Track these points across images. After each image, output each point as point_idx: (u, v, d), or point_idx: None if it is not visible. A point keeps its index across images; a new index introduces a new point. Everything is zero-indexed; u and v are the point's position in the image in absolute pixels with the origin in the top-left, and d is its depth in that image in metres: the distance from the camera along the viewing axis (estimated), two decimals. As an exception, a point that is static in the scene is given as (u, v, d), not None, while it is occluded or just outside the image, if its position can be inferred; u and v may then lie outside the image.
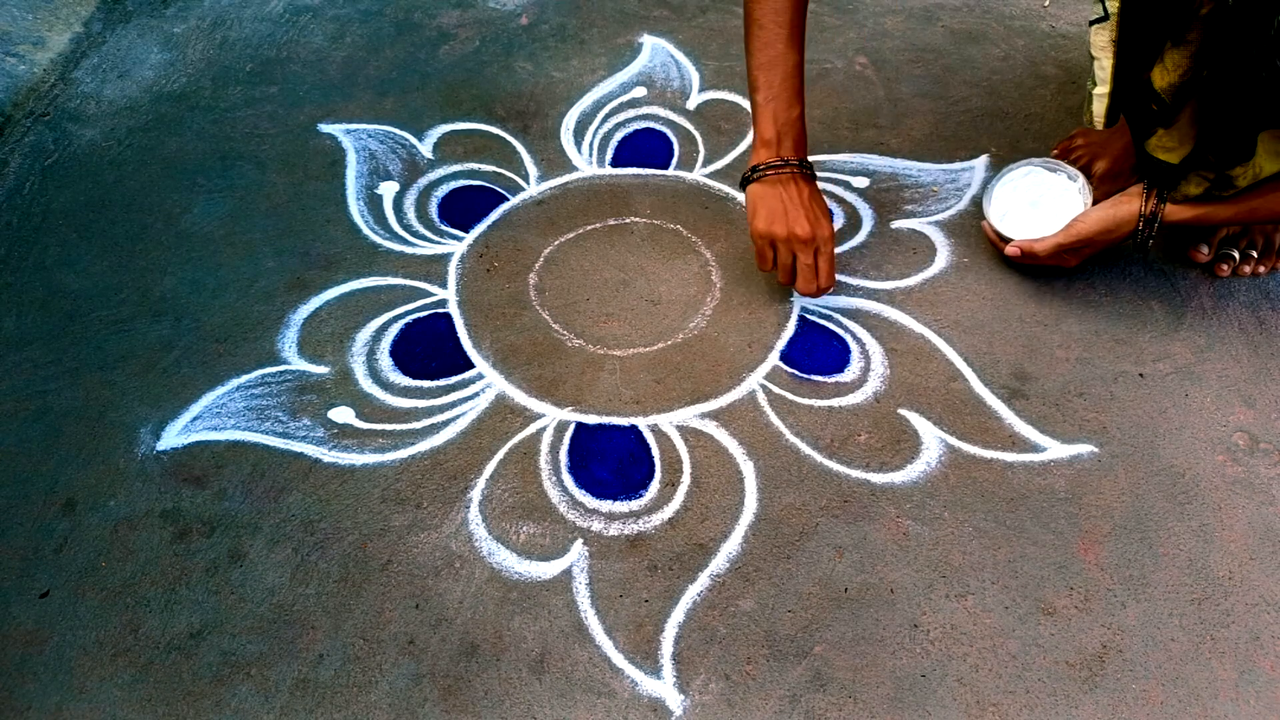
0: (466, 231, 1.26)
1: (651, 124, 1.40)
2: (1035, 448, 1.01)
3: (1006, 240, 1.13)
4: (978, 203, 1.26)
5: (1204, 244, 1.15)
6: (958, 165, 1.32)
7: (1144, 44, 0.95)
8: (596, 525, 0.95)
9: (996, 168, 1.31)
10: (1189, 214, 1.01)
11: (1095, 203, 1.09)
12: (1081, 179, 1.13)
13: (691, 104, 1.43)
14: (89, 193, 1.31)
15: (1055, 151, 1.27)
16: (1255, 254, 1.16)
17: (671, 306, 1.16)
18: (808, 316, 1.14)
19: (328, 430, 1.04)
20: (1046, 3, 1.59)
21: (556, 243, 1.24)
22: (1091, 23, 1.01)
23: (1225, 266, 1.15)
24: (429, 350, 1.12)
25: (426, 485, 0.99)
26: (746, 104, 1.42)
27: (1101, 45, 1.00)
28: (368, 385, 1.08)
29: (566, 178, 1.33)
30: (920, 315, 1.13)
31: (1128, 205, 1.03)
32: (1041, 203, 1.13)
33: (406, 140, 1.39)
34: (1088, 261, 1.13)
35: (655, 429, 1.03)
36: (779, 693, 0.84)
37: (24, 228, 1.27)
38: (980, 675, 0.85)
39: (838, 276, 1.18)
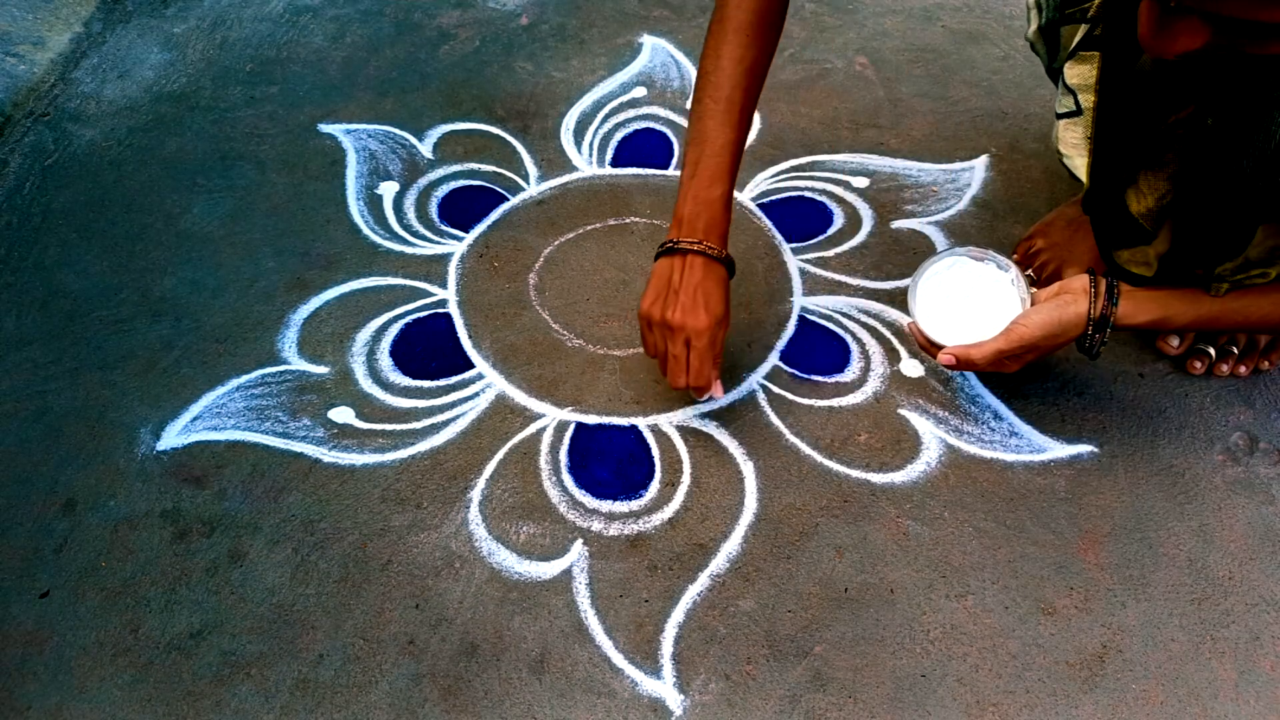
0: (466, 231, 1.26)
1: (651, 124, 1.40)
2: (1035, 448, 1.01)
3: (937, 345, 0.95)
4: (977, 202, 1.26)
5: (1174, 335, 1.05)
6: (958, 165, 1.32)
7: (1116, 157, 0.89)
8: (596, 525, 0.95)
9: (997, 167, 1.31)
10: (1145, 317, 0.89)
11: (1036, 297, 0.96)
12: (1014, 269, 0.96)
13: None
14: (89, 193, 1.31)
15: (1016, 256, 1.16)
16: (1236, 350, 1.05)
17: (671, 306, 1.15)
18: (808, 317, 1.14)
19: (328, 430, 1.04)
20: None
21: (556, 243, 1.24)
22: (1059, 116, 0.92)
23: (1199, 363, 1.05)
24: (429, 350, 1.12)
25: (426, 485, 0.99)
26: (746, 104, 1.43)
27: (1074, 143, 0.91)
28: (368, 385, 1.08)
29: (566, 178, 1.33)
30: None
31: (1074, 307, 0.89)
32: (972, 298, 0.97)
33: (406, 140, 1.39)
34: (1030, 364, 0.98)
35: (655, 429, 1.03)
36: (779, 693, 0.84)
37: (24, 228, 1.27)
38: (980, 675, 0.85)
39: (837, 277, 1.18)
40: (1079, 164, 0.92)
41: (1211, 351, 1.05)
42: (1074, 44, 0.88)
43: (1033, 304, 0.94)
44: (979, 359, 0.91)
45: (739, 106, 0.92)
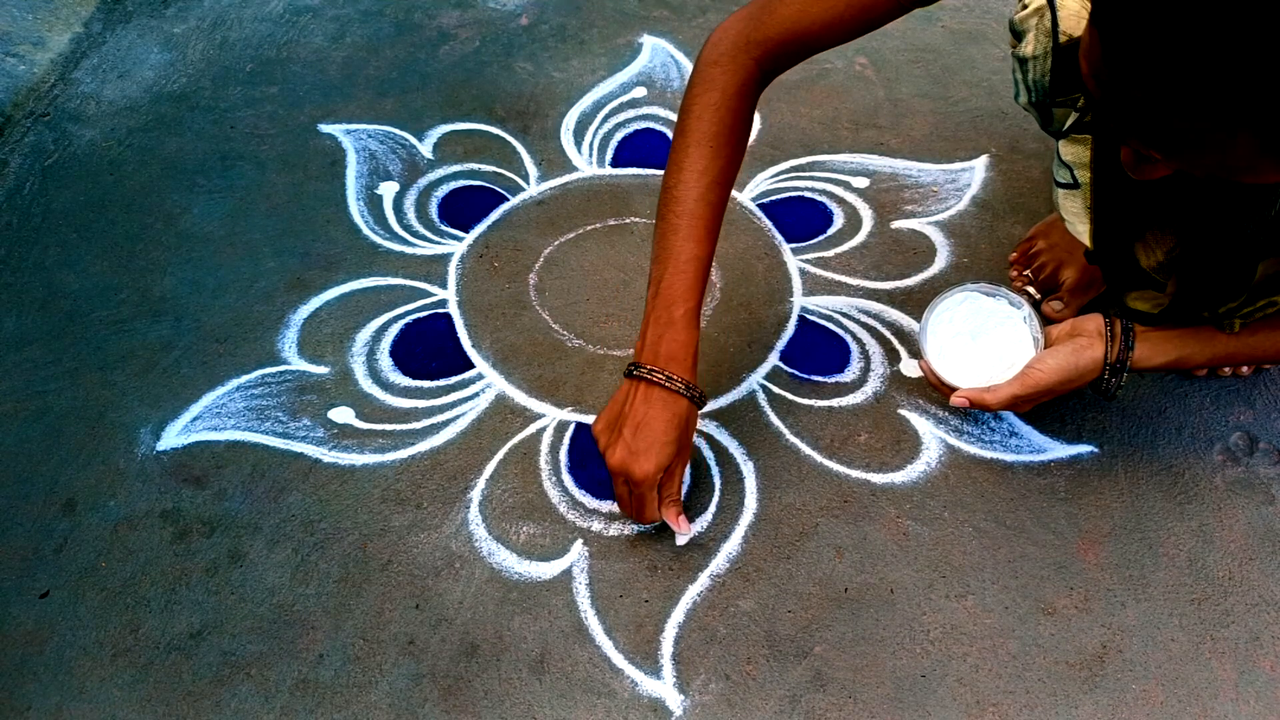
0: (466, 231, 1.26)
1: (651, 124, 1.40)
2: (1035, 448, 1.01)
3: (949, 386, 0.94)
4: (977, 202, 1.26)
5: None
6: (958, 165, 1.32)
7: (1121, 215, 0.89)
8: (596, 525, 0.95)
9: (997, 167, 1.31)
10: (1162, 359, 0.89)
11: (1050, 325, 0.96)
12: (1026, 306, 0.96)
13: (691, 104, 1.43)
14: (89, 193, 1.31)
15: (1014, 256, 1.16)
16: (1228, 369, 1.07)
17: (671, 306, 1.15)
18: (808, 317, 1.14)
19: (328, 430, 1.04)
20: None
21: (556, 243, 1.24)
22: (1059, 185, 0.92)
23: (1202, 369, 1.06)
24: (429, 350, 1.12)
25: (426, 485, 0.99)
26: (746, 104, 1.43)
27: (1074, 211, 0.91)
28: (368, 385, 1.08)
29: (566, 178, 1.33)
30: (920, 316, 1.13)
31: (1090, 352, 0.89)
32: (982, 336, 0.96)
33: (406, 140, 1.39)
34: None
35: (655, 429, 1.03)
36: (779, 693, 0.84)
37: (24, 228, 1.27)
38: (980, 675, 0.85)
39: (837, 277, 1.18)
40: (1081, 230, 0.92)
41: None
42: (1066, 126, 0.89)
43: (1046, 343, 0.93)
44: (993, 403, 0.90)
45: (703, 221, 0.87)
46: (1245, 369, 1.06)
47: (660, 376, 0.84)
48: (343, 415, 1.05)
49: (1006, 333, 0.96)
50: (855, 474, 0.99)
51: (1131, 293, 0.93)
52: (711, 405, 1.05)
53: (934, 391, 1.06)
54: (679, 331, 0.86)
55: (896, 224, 1.25)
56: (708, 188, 0.87)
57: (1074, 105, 0.88)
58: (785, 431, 1.03)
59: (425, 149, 1.37)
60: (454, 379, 1.09)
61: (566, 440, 1.02)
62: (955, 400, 0.92)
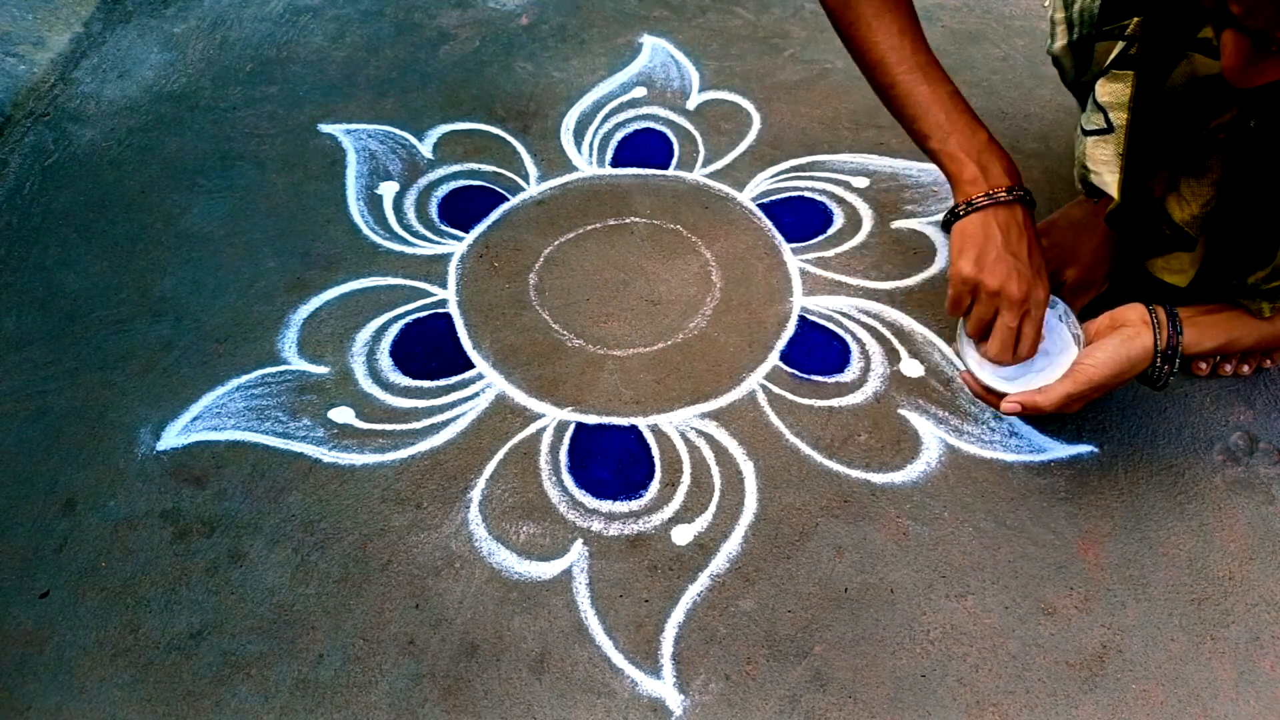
0: (466, 231, 1.26)
1: (651, 124, 1.40)
2: (1035, 448, 1.01)
3: (995, 393, 0.93)
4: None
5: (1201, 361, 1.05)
6: (958, 165, 1.32)
7: (1152, 164, 0.86)
8: (596, 525, 0.95)
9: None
10: (1211, 343, 0.89)
11: (1087, 322, 0.95)
12: (1061, 304, 0.95)
13: (691, 104, 1.43)
14: (89, 193, 1.31)
15: None
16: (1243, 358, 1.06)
17: (671, 306, 1.16)
18: (808, 317, 1.14)
19: (328, 430, 1.04)
20: (1046, 2, 1.59)
21: (556, 243, 1.24)
22: (1088, 133, 0.90)
23: (1204, 364, 1.05)
24: (429, 350, 1.12)
25: (426, 485, 0.99)
26: (746, 103, 1.42)
27: (1104, 159, 0.88)
28: (368, 385, 1.08)
29: (566, 178, 1.33)
30: (920, 315, 1.13)
31: (1140, 340, 0.88)
32: None
33: (406, 140, 1.39)
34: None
35: (655, 429, 1.03)
36: (779, 693, 0.84)
37: (24, 228, 1.27)
38: (980, 675, 0.85)
39: (837, 277, 1.18)
40: (1109, 180, 0.88)
41: (1229, 365, 1.06)
42: (1109, 61, 0.86)
43: (1086, 339, 0.92)
44: (1046, 405, 0.88)
45: (933, 64, 0.93)
46: (1246, 368, 1.05)
47: (1021, 194, 0.89)
48: (343, 415, 1.05)
49: (1045, 333, 0.94)
50: (855, 474, 0.99)
51: (1157, 260, 0.90)
52: (711, 405, 1.05)
53: (934, 392, 1.06)
54: (998, 153, 0.90)
55: (896, 224, 1.25)
56: (912, 41, 0.93)
57: (1121, 34, 0.85)
58: (785, 431, 1.03)
59: (425, 149, 1.37)
60: (454, 379, 1.09)
61: (566, 440, 1.02)
62: (1006, 407, 0.90)
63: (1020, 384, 0.92)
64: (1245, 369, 1.06)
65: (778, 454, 1.01)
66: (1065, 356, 0.92)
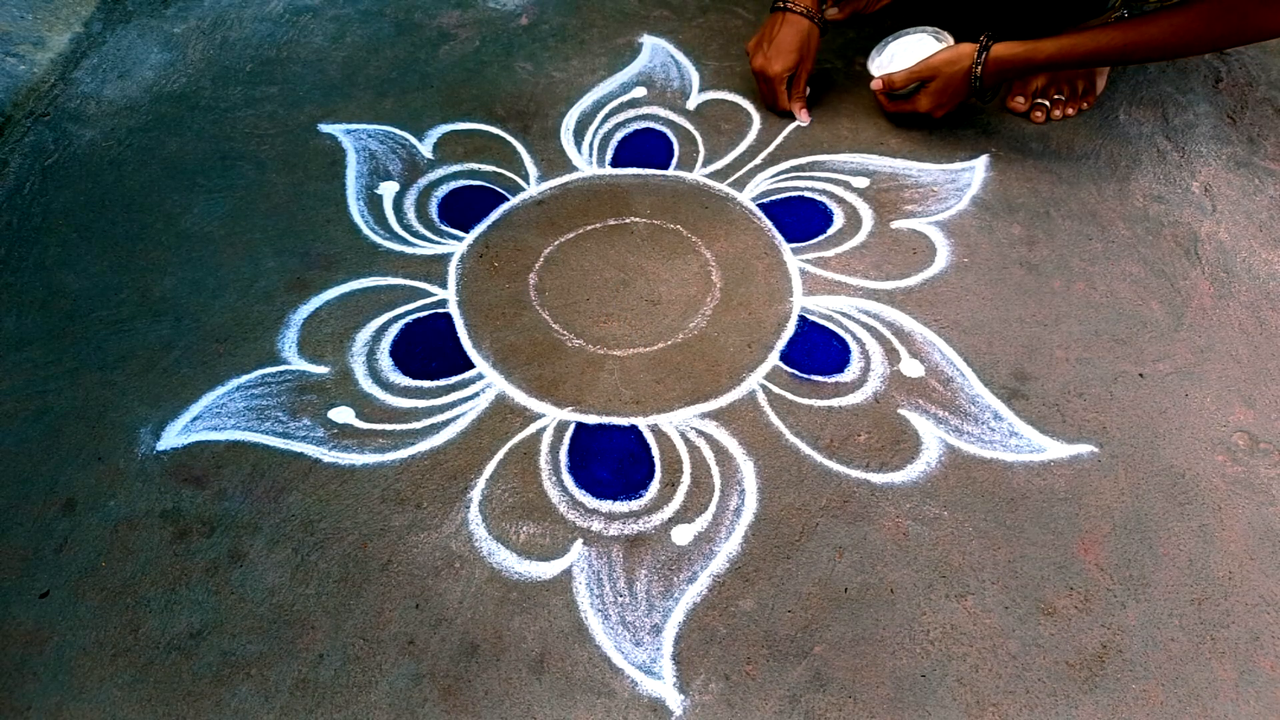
0: (466, 231, 1.26)
1: (651, 124, 1.40)
2: (1035, 448, 1.01)
3: (886, 95, 1.33)
4: (977, 202, 1.26)
5: (1019, 95, 1.37)
6: (958, 165, 1.32)
7: None
8: (596, 525, 0.95)
9: (996, 167, 1.31)
10: (1015, 50, 1.19)
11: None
12: (949, 38, 1.31)
13: (691, 104, 1.43)
14: (89, 193, 1.31)
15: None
16: (1063, 98, 1.36)
17: (671, 306, 1.16)
18: (808, 317, 1.14)
19: (328, 430, 1.04)
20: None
21: (556, 243, 1.24)
22: None
23: (1039, 114, 1.35)
24: (429, 350, 1.12)
25: (426, 485, 0.99)
26: (746, 104, 1.43)
27: None
28: (368, 385, 1.08)
29: (566, 178, 1.33)
30: (920, 315, 1.13)
31: (966, 47, 1.24)
32: (913, 58, 1.31)
33: (406, 140, 1.39)
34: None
35: (655, 429, 1.03)
36: (779, 693, 0.84)
37: (24, 228, 1.26)
38: (980, 675, 0.85)
39: (837, 277, 1.18)
40: None
41: (1047, 103, 1.36)
42: None
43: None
44: (898, 80, 1.29)
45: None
46: (1071, 109, 1.36)
47: (793, 4, 1.30)
48: (343, 415, 1.05)
49: (922, 48, 1.32)
50: (855, 474, 0.99)
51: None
52: (711, 405, 1.05)
53: (934, 392, 1.06)
54: None
55: (896, 224, 1.25)
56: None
57: None
58: (785, 431, 1.03)
59: (425, 149, 1.37)
60: (454, 379, 1.09)
61: (566, 440, 1.02)
62: (872, 85, 1.32)
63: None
64: (1070, 110, 1.35)
65: (778, 454, 1.01)
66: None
